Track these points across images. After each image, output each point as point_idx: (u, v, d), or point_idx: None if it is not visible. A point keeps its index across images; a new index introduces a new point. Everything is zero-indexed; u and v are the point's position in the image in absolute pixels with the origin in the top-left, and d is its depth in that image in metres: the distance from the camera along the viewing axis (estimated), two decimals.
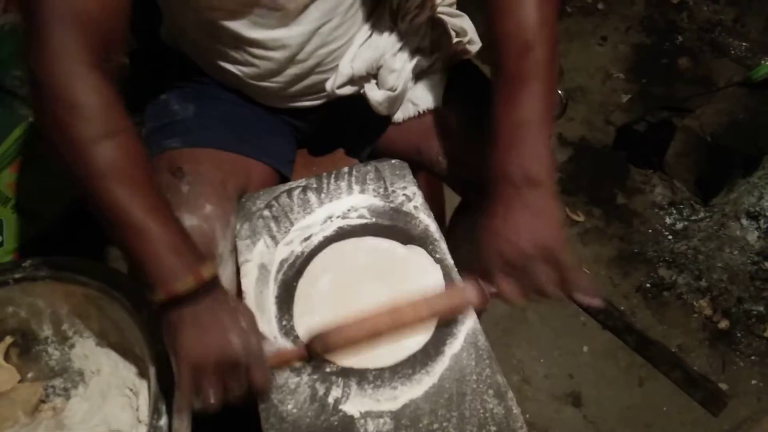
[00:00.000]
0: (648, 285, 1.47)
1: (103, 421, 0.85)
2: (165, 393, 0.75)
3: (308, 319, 0.76)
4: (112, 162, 0.62)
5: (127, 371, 0.89)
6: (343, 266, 0.81)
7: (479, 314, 0.76)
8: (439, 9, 0.93)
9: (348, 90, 0.89)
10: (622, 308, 1.43)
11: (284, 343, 0.75)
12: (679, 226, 1.56)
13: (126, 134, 0.65)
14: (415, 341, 0.74)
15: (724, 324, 1.39)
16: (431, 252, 0.82)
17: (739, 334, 1.39)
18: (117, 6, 0.65)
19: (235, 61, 0.86)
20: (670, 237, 1.55)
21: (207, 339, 0.64)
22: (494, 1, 0.72)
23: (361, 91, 0.89)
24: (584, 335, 1.40)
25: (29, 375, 0.92)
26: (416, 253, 0.82)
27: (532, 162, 0.69)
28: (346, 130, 1.00)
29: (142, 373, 0.87)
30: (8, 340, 0.91)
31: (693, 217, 1.57)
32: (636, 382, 1.33)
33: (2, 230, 1.42)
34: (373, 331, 0.71)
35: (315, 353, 0.71)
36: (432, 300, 0.73)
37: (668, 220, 1.58)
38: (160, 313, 0.66)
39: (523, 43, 0.70)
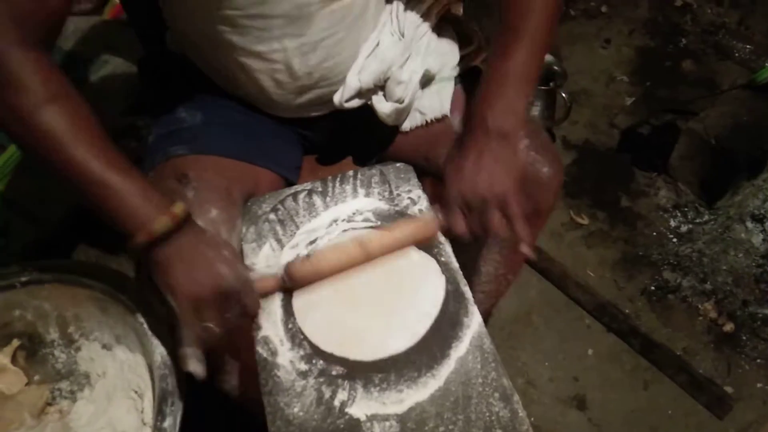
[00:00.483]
0: (653, 288, 1.47)
1: (108, 424, 0.86)
2: (169, 394, 0.75)
3: (309, 317, 0.76)
4: (59, 124, 0.65)
5: (131, 374, 0.89)
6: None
7: (485, 319, 0.77)
8: (446, 17, 0.93)
9: (356, 103, 0.89)
10: (626, 311, 1.43)
11: (289, 347, 0.74)
12: (684, 228, 1.56)
13: (68, 98, 0.67)
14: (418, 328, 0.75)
15: (729, 327, 1.39)
16: (436, 255, 0.82)
17: (744, 337, 1.38)
18: None
19: (240, 73, 0.86)
20: (674, 240, 1.55)
21: (197, 273, 0.68)
22: None
23: (369, 103, 0.90)
24: (589, 338, 1.40)
25: (36, 378, 0.93)
26: (418, 252, 0.82)
27: (508, 115, 0.76)
28: (354, 140, 1.01)
29: (147, 376, 0.87)
30: (15, 343, 0.92)
31: (697, 220, 1.56)
32: (641, 385, 1.33)
33: (7, 233, 1.42)
34: (343, 260, 0.77)
35: (288, 281, 0.76)
36: (394, 229, 0.80)
37: (673, 223, 1.58)
38: (144, 259, 0.69)
39: (528, 6, 0.77)
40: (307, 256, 0.78)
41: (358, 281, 0.79)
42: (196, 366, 0.70)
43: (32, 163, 0.68)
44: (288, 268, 0.76)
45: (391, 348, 0.73)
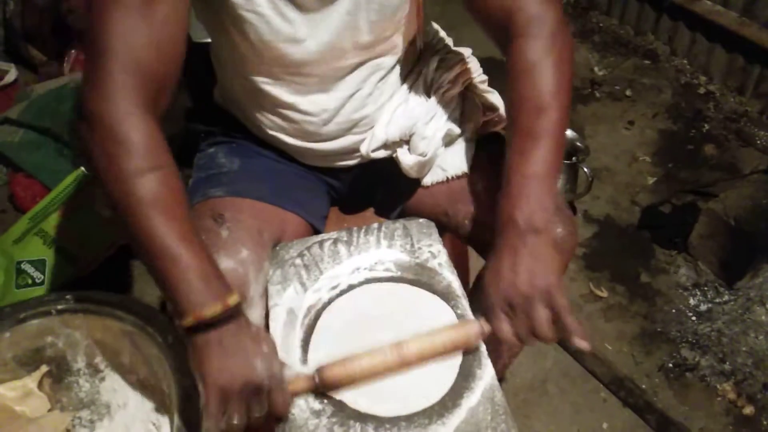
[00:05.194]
0: (670, 365, 1.46)
1: None
2: (187, 426, 0.78)
3: (320, 355, 0.79)
4: (152, 193, 0.68)
5: (151, 407, 0.92)
6: (364, 307, 0.85)
7: (500, 380, 0.78)
8: (471, 85, 1.00)
9: (382, 153, 0.96)
10: (643, 386, 1.41)
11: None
12: (703, 307, 1.56)
13: (168, 170, 0.71)
14: (434, 389, 0.76)
15: (749, 410, 1.36)
16: (453, 308, 0.85)
17: (765, 422, 1.35)
18: (172, 58, 0.73)
19: (276, 122, 0.93)
20: (693, 318, 1.54)
21: (232, 363, 0.68)
22: (514, 66, 0.80)
23: (394, 155, 0.96)
24: (605, 412, 1.38)
25: (59, 404, 0.96)
26: (435, 300, 0.85)
27: (537, 212, 0.75)
28: (378, 191, 1.06)
29: (166, 409, 0.90)
30: (44, 368, 0.96)
31: (717, 300, 1.56)
32: None
33: (45, 269, 1.49)
34: (378, 366, 0.74)
35: (321, 385, 0.74)
36: (434, 336, 0.76)
37: (692, 302, 1.58)
38: (186, 338, 0.70)
39: (539, 105, 0.78)
40: (342, 360, 0.74)
41: (379, 333, 0.80)
42: None
43: (117, 222, 0.71)
44: (321, 371, 0.73)
45: (406, 408, 0.74)
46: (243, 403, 0.68)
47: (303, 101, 0.89)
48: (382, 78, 0.92)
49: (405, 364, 0.75)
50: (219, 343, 0.68)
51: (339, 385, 0.74)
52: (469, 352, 0.79)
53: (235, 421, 0.68)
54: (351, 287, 0.87)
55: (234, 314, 0.70)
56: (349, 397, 0.75)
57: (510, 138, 0.81)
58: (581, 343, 0.74)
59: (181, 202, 0.71)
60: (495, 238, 0.79)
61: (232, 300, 0.70)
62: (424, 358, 0.76)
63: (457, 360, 0.78)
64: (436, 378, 0.77)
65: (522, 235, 0.75)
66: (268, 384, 0.70)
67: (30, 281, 1.48)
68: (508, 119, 0.82)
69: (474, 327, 0.77)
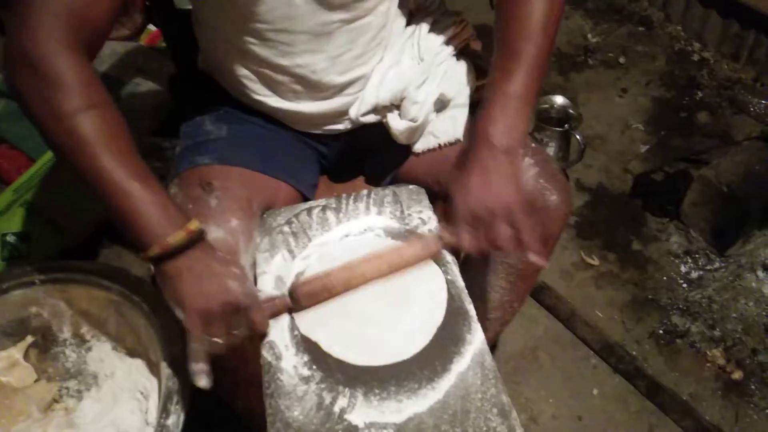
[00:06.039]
0: (661, 331, 1.46)
1: (112, 422, 0.87)
2: (175, 392, 0.77)
3: (314, 323, 0.78)
4: (94, 131, 0.67)
5: (139, 375, 0.91)
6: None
7: (490, 348, 0.78)
8: (465, 48, 0.98)
9: (371, 118, 0.93)
10: (634, 353, 1.42)
11: (293, 352, 0.76)
12: (694, 275, 1.56)
13: (106, 107, 0.70)
14: (419, 337, 0.77)
15: (737, 375, 1.37)
16: (442, 273, 0.84)
17: (753, 386, 1.36)
18: (105, 4, 0.72)
19: (263, 87, 0.91)
20: (684, 285, 1.55)
21: (206, 286, 0.69)
22: None
23: (384, 121, 0.93)
24: (595, 378, 1.39)
25: (45, 374, 0.95)
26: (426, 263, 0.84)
27: (512, 132, 0.79)
28: (368, 158, 1.04)
29: (154, 378, 0.89)
30: (29, 339, 0.95)
31: (708, 267, 1.57)
32: (645, 428, 1.31)
33: (30, 242, 1.47)
34: (350, 279, 0.78)
35: (296, 303, 0.76)
36: (401, 249, 0.81)
37: (683, 269, 1.58)
38: (155, 270, 0.71)
39: (528, 31, 0.80)
40: (313, 276, 0.78)
41: (364, 290, 0.81)
42: (204, 381, 0.71)
43: (61, 162, 0.71)
44: (294, 288, 0.76)
45: (396, 355, 0.74)
46: (224, 323, 0.70)
47: (290, 62, 0.87)
48: (372, 39, 0.89)
49: (373, 272, 0.79)
50: (189, 269, 0.69)
51: (313, 300, 0.77)
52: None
53: (221, 340, 0.70)
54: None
55: (198, 240, 0.71)
56: (332, 348, 0.75)
57: (495, 58, 0.83)
58: (536, 259, 0.78)
59: (125, 137, 0.71)
60: (467, 152, 0.81)
61: (194, 225, 0.71)
62: (392, 266, 0.80)
63: (440, 304, 0.80)
64: (421, 324, 0.78)
65: (494, 153, 0.78)
66: (244, 302, 0.71)
67: (15, 253, 1.46)
68: (495, 42, 0.84)
69: (435, 238, 0.82)
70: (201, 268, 0.70)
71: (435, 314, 0.79)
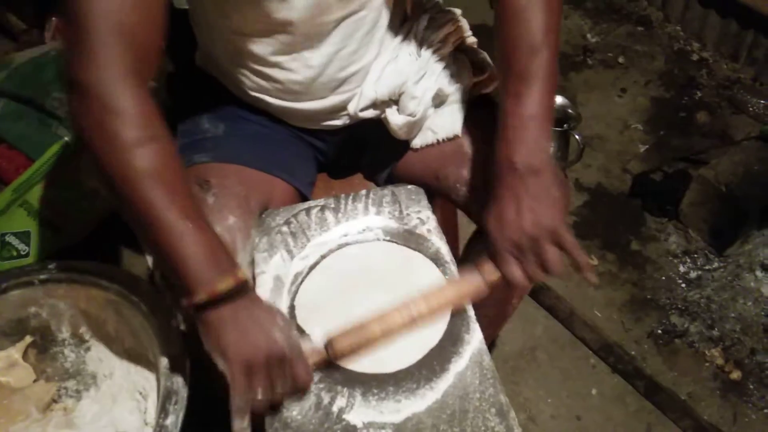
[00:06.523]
0: (660, 331, 1.46)
1: (111, 423, 0.88)
2: (174, 393, 0.77)
3: (315, 325, 0.78)
4: (151, 165, 0.65)
5: (138, 376, 0.91)
6: (349, 268, 0.84)
7: (488, 346, 0.78)
8: (461, 45, 0.98)
9: (370, 113, 0.94)
10: (632, 353, 1.42)
11: None
12: (693, 275, 1.56)
13: (165, 140, 0.67)
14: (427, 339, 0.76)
15: (736, 375, 1.37)
16: (442, 272, 0.84)
17: (751, 386, 1.37)
18: (155, 21, 0.69)
19: (260, 83, 0.91)
20: (683, 285, 1.55)
21: (252, 337, 0.66)
22: (504, 8, 0.79)
23: (382, 116, 0.94)
24: (593, 378, 1.39)
25: (44, 375, 0.95)
26: (420, 258, 0.85)
27: (535, 153, 0.76)
28: (366, 154, 1.04)
29: (152, 378, 0.89)
30: (28, 339, 0.95)
31: (707, 267, 1.57)
32: (644, 428, 1.31)
33: (29, 241, 1.47)
34: (388, 329, 0.73)
35: (333, 356, 0.72)
36: (442, 292, 0.77)
37: (682, 269, 1.58)
38: (196, 317, 0.67)
39: (531, 46, 0.78)
40: (352, 329, 0.73)
41: (365, 295, 0.81)
42: (240, 427, 0.66)
43: (110, 197, 0.68)
44: (332, 343, 0.72)
45: (394, 364, 0.74)
46: (268, 377, 0.67)
47: (287, 59, 0.87)
48: (368, 33, 0.89)
49: (415, 324, 0.75)
50: (234, 317, 0.66)
51: (351, 353, 0.73)
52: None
53: (260, 396, 0.66)
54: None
55: (244, 288, 0.68)
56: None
57: (503, 81, 0.80)
58: (591, 277, 0.77)
59: (181, 174, 0.68)
60: (494, 184, 0.79)
61: (242, 273, 0.67)
62: (433, 315, 0.76)
63: (439, 329, 0.78)
64: (422, 338, 0.76)
65: (522, 178, 0.75)
66: (289, 355, 0.67)
67: (15, 253, 1.46)
68: (499, 63, 0.82)
69: (476, 277, 0.78)
70: (246, 316, 0.66)
71: (432, 335, 0.77)
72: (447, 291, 0.78)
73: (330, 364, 0.73)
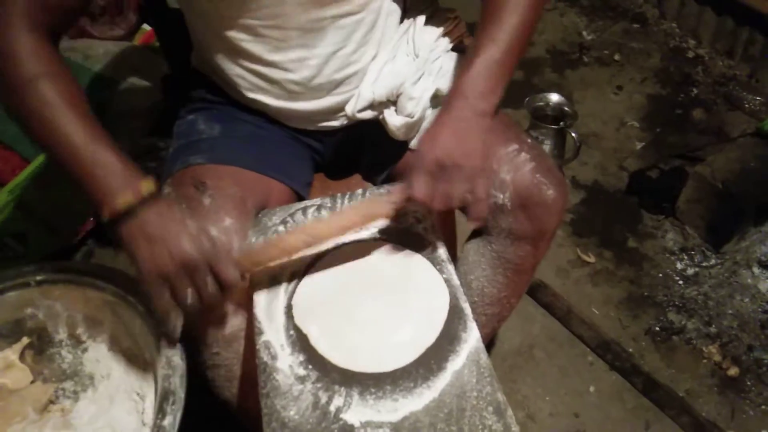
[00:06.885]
0: (657, 328, 1.47)
1: (108, 424, 0.87)
2: (171, 393, 0.77)
3: (311, 324, 0.78)
4: (50, 96, 0.70)
5: (135, 376, 0.91)
6: (346, 267, 0.84)
7: (486, 345, 0.78)
8: (459, 45, 0.98)
9: (368, 114, 0.94)
10: (630, 350, 1.42)
11: (289, 352, 0.76)
12: (690, 271, 1.57)
13: (61, 75, 0.73)
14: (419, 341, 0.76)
15: (733, 371, 1.38)
16: (439, 272, 0.84)
17: (749, 383, 1.37)
18: None
19: (256, 84, 0.91)
20: (680, 282, 1.55)
21: (158, 248, 0.69)
22: None
23: (380, 117, 0.93)
24: (591, 375, 1.40)
25: (41, 376, 0.95)
26: (417, 258, 0.85)
27: (488, 97, 0.78)
28: (364, 155, 1.04)
29: (150, 379, 0.89)
30: (25, 340, 0.94)
31: (704, 264, 1.57)
32: (642, 425, 1.31)
33: (27, 242, 1.46)
34: (286, 250, 0.78)
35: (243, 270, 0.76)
36: (343, 212, 0.81)
37: (679, 266, 1.58)
38: (112, 236, 0.71)
39: (512, 6, 0.79)
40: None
41: (362, 294, 0.81)
42: (172, 333, 0.74)
43: (25, 133, 0.74)
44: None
45: (391, 363, 0.74)
46: (185, 283, 0.70)
47: (283, 59, 0.87)
48: (366, 35, 0.89)
49: (334, 235, 0.79)
50: (142, 231, 0.69)
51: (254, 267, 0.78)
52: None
53: (187, 299, 0.70)
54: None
55: (152, 202, 0.71)
56: (331, 355, 0.75)
57: (478, 26, 0.82)
58: (471, 223, 0.82)
59: (80, 102, 0.73)
60: (441, 110, 0.80)
61: (145, 187, 0.70)
62: (333, 236, 0.80)
63: (442, 310, 0.79)
64: (415, 338, 0.77)
65: (468, 113, 0.77)
66: (202, 258, 0.70)
67: (11, 254, 1.46)
68: (481, 13, 0.83)
69: (382, 197, 0.82)
70: (153, 229, 0.69)
71: (434, 321, 0.78)
72: (347, 212, 0.81)
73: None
